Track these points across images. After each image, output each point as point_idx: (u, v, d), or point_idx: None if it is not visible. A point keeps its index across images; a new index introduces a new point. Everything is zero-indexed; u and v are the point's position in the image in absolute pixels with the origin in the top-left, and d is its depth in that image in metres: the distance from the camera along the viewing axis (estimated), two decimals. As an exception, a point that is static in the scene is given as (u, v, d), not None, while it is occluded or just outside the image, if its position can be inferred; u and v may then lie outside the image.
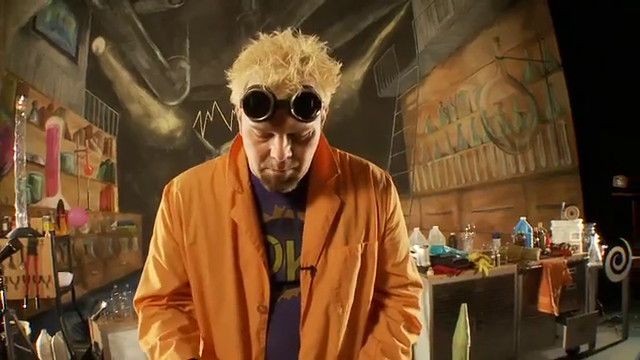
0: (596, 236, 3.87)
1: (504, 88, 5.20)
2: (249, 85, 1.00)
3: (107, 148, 5.06)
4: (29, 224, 4.03)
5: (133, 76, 5.04)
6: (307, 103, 0.99)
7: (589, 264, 3.77)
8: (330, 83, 1.07)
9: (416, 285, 1.32)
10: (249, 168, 1.16)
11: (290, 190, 1.12)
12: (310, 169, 1.15)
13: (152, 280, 1.23)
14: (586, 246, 3.86)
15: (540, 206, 4.97)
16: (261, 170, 1.09)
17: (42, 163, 4.85)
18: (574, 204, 4.19)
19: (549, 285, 3.53)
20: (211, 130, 4.87)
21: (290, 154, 1.04)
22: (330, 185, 1.18)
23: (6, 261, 3.64)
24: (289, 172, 1.08)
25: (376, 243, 1.22)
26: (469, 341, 3.06)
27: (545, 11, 5.16)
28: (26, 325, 3.72)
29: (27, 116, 4.41)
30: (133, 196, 5.07)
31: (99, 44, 4.99)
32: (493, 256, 3.57)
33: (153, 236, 1.25)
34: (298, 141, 1.05)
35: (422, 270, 3.45)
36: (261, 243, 1.13)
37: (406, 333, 1.27)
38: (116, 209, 5.06)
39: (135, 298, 1.27)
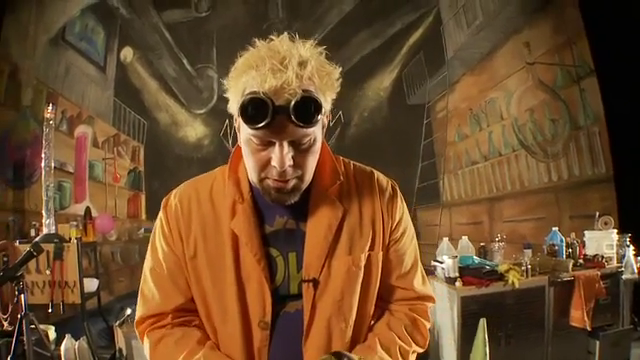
0: (631, 247, 3.71)
1: (535, 94, 5.08)
2: (246, 92, 0.97)
3: (135, 156, 5.11)
4: (56, 230, 4.09)
5: (161, 85, 5.09)
6: (307, 108, 0.95)
7: (624, 276, 3.59)
8: (330, 87, 1.03)
9: (425, 299, 1.25)
10: (249, 179, 1.11)
11: (292, 202, 1.07)
12: (312, 177, 1.10)
13: (153, 297, 1.16)
14: (621, 258, 3.70)
15: (573, 216, 4.83)
16: (261, 180, 1.05)
17: (71, 170, 4.92)
18: (608, 214, 4.03)
19: (582, 298, 3.39)
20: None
21: (291, 162, 1.00)
22: (332, 193, 1.13)
23: (32, 266, 3.73)
24: (292, 182, 1.04)
25: (380, 253, 1.16)
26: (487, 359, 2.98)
27: (576, 14, 5.03)
28: (51, 329, 3.77)
29: (56, 124, 4.49)
30: (160, 204, 5.05)
31: (127, 53, 5.06)
32: (524, 267, 3.44)
33: (150, 250, 1.19)
34: (299, 149, 1.01)
35: (450, 281, 3.38)
36: (262, 256, 1.09)
37: (408, 336, 1.19)
38: (143, 216, 5.11)
39: (136, 319, 1.18)
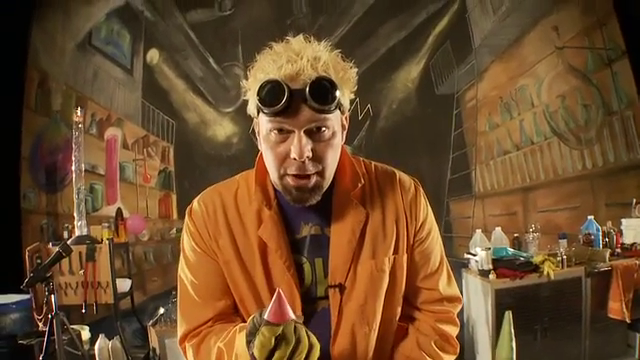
0: (671, 233, 3.67)
1: (566, 80, 4.96)
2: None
3: (165, 156, 5.16)
4: (88, 232, 4.18)
5: (188, 85, 5.12)
6: (323, 88, 0.96)
7: (665, 265, 3.54)
8: (346, 82, 1.03)
9: (452, 300, 1.23)
10: (272, 181, 1.11)
11: (314, 202, 1.06)
12: (333, 181, 1.10)
13: (194, 306, 1.16)
14: (661, 246, 3.65)
15: (609, 204, 4.71)
16: (281, 178, 1.05)
17: (102, 173, 5.01)
18: (646, 201, 3.97)
19: (620, 289, 3.33)
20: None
21: (310, 154, 1.00)
22: (355, 196, 1.13)
23: (65, 267, 3.82)
24: (313, 179, 1.03)
25: (405, 256, 1.15)
26: (514, 355, 2.93)
27: (605, -6, 4.92)
28: (85, 329, 3.86)
29: (86, 128, 4.58)
30: (191, 203, 5.11)
31: (153, 55, 5.11)
32: (559, 258, 3.42)
33: (182, 262, 1.19)
34: (318, 140, 1.02)
35: (484, 274, 3.36)
36: (291, 263, 1.11)
37: (438, 351, 1.18)
38: (175, 216, 5.14)
39: (180, 336, 1.18)
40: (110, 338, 3.98)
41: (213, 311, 1.15)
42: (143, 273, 5.01)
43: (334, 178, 1.11)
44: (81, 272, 3.86)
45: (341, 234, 1.11)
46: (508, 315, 3.03)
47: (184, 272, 1.19)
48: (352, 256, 1.11)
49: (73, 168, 4.28)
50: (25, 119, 4.93)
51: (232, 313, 1.17)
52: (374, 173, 1.20)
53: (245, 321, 1.16)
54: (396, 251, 1.15)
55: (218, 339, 1.09)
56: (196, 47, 5.07)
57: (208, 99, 5.13)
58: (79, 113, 4.35)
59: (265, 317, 0.90)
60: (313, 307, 1.13)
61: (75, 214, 4.19)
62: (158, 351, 3.92)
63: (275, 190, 1.13)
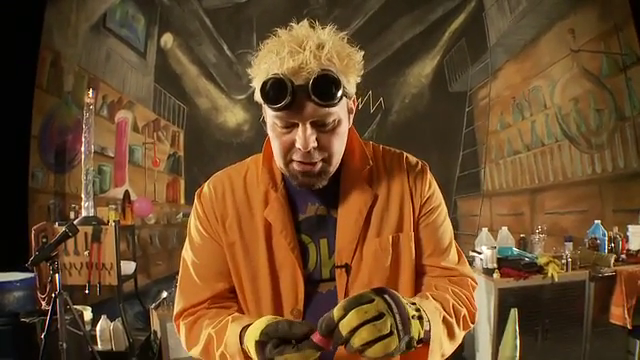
0: (676, 243, 3.66)
1: (580, 83, 4.94)
2: (268, 76, 0.99)
3: (175, 141, 5.17)
4: (95, 213, 4.19)
5: (201, 70, 5.11)
6: (326, 85, 0.96)
7: (668, 273, 3.53)
8: (351, 69, 1.03)
9: (469, 277, 1.20)
10: (279, 166, 1.12)
11: (321, 186, 1.07)
12: (341, 163, 1.10)
13: (193, 286, 1.17)
14: (665, 254, 3.64)
15: (617, 210, 4.70)
16: (287, 164, 1.06)
17: (111, 155, 5.03)
18: (654, 208, 3.97)
19: (623, 294, 3.33)
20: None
21: (315, 144, 1.01)
22: (363, 178, 1.14)
23: (71, 247, 3.82)
24: (319, 165, 1.04)
25: (411, 234, 1.14)
26: (517, 353, 2.94)
27: (623, 0, 4.89)
28: (87, 310, 3.88)
29: (97, 110, 4.60)
30: (199, 188, 5.13)
31: (167, 40, 5.11)
32: (564, 260, 3.42)
33: (188, 242, 1.20)
34: (323, 130, 1.02)
35: (488, 272, 3.37)
36: (296, 244, 1.11)
37: (458, 299, 1.13)
38: (182, 201, 5.15)
39: (175, 313, 1.19)
40: (112, 320, 4.01)
41: (211, 292, 1.16)
42: (148, 256, 5.04)
43: (342, 160, 1.12)
44: (86, 253, 3.88)
45: (348, 215, 1.12)
46: (514, 313, 3.03)
47: (187, 253, 1.20)
48: (358, 237, 1.11)
49: (82, 149, 4.30)
50: (36, 98, 4.93)
51: (229, 297, 1.17)
52: (382, 155, 1.20)
53: (240, 306, 1.18)
54: (400, 229, 1.14)
55: (210, 324, 1.09)
56: (210, 33, 5.07)
57: (220, 85, 5.13)
58: (91, 94, 4.36)
59: (313, 339, 0.89)
60: (318, 289, 1.13)
61: (83, 195, 4.20)
62: (159, 334, 3.95)
63: (282, 172, 1.14)
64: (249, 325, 0.99)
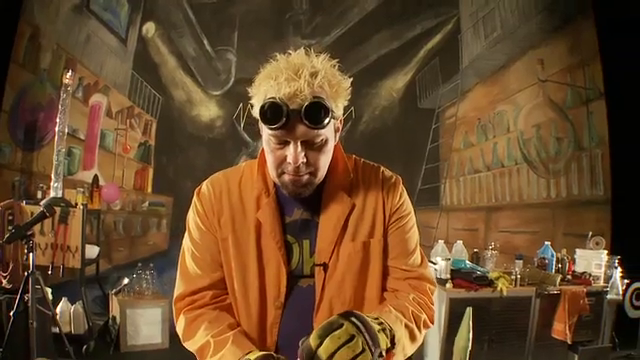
0: (619, 269, 3.83)
1: (544, 111, 5.16)
2: (266, 98, 1.11)
3: (147, 130, 5.17)
4: (63, 194, 4.14)
5: (179, 62, 5.14)
6: (317, 111, 1.10)
7: (608, 296, 3.72)
8: (340, 95, 1.17)
9: (427, 280, 1.33)
10: (271, 174, 1.25)
11: (307, 195, 1.21)
12: (326, 175, 1.24)
13: (193, 274, 1.28)
14: (608, 278, 3.82)
15: (567, 234, 4.92)
16: (279, 175, 1.19)
17: (82, 137, 4.98)
18: (601, 235, 4.14)
19: (565, 312, 3.51)
20: (251, 123, 4.78)
21: (304, 160, 1.14)
22: (344, 189, 1.28)
23: (37, 227, 3.75)
24: (305, 177, 1.17)
25: (381, 240, 1.28)
26: (470, 344, 3.07)
27: (592, 37, 5.11)
28: (48, 291, 3.84)
29: (72, 91, 4.53)
30: (167, 179, 5.18)
31: (149, 28, 5.10)
32: (513, 277, 3.57)
33: (187, 234, 1.32)
34: (312, 148, 1.15)
35: (441, 282, 3.46)
36: (282, 244, 1.24)
37: (417, 304, 1.26)
38: (149, 189, 5.17)
39: (175, 296, 1.30)
40: (71, 302, 4.00)
41: (209, 281, 1.27)
42: (110, 242, 5.01)
43: (327, 172, 1.24)
44: (51, 235, 3.86)
45: (328, 220, 1.25)
46: (469, 311, 3.16)
47: (187, 244, 1.31)
48: (336, 240, 1.24)
49: (57, 129, 4.23)
50: (10, 72, 4.81)
51: (225, 287, 1.28)
52: (361, 168, 1.34)
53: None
54: (372, 235, 1.27)
55: (209, 328, 1.20)
56: (193, 27, 5.10)
57: (197, 79, 5.16)
58: (69, 76, 4.32)
59: None
60: (299, 283, 1.25)
61: (52, 175, 4.16)
62: (118, 320, 3.96)
63: (273, 180, 1.26)
64: (247, 353, 1.12)
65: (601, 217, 4.97)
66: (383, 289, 1.31)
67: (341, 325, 0.99)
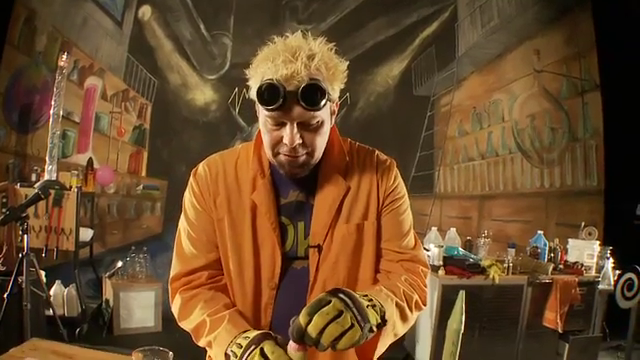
0: (611, 260, 3.87)
1: (539, 101, 5.16)
2: (263, 79, 1.12)
3: (142, 113, 5.17)
4: (57, 177, 4.15)
5: (175, 46, 5.13)
6: (313, 93, 1.11)
7: (600, 286, 3.74)
8: (337, 78, 1.18)
9: (420, 262, 1.34)
10: (267, 156, 1.25)
11: (303, 175, 1.22)
12: (322, 158, 1.25)
13: (188, 254, 1.30)
14: (599, 268, 3.85)
15: (560, 223, 4.94)
16: (275, 155, 1.20)
17: (77, 120, 4.98)
18: (594, 225, 4.16)
19: (557, 301, 3.54)
20: (245, 107, 4.86)
21: (300, 141, 1.15)
22: (339, 171, 1.28)
23: (31, 210, 3.74)
24: (302, 157, 1.18)
25: (375, 223, 1.29)
26: (462, 327, 3.10)
27: (589, 29, 5.10)
28: (42, 274, 3.85)
29: (67, 73, 4.52)
30: (161, 162, 5.19)
31: (145, 11, 5.08)
32: (505, 265, 3.59)
33: (183, 214, 1.33)
34: (307, 129, 1.16)
35: (434, 269, 3.48)
36: (277, 225, 1.25)
37: (409, 285, 1.27)
38: (143, 173, 5.18)
39: (171, 276, 1.31)
40: (65, 285, 4.01)
41: (205, 261, 1.28)
42: (104, 225, 5.02)
43: (323, 154, 1.25)
44: (45, 217, 3.86)
45: (323, 203, 1.26)
46: (461, 294, 3.16)
47: (183, 225, 1.32)
48: (331, 222, 1.25)
49: (51, 112, 4.24)
50: (6, 55, 4.83)
51: (220, 268, 1.30)
52: (357, 151, 1.35)
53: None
54: (366, 218, 1.28)
55: (205, 307, 1.21)
56: (189, 11, 5.07)
57: (193, 63, 5.15)
58: (65, 58, 4.31)
59: (289, 347, 1.01)
60: (294, 265, 1.26)
61: (47, 158, 4.16)
62: (112, 303, 3.98)
63: (269, 161, 1.27)
64: (243, 332, 1.13)
65: (594, 208, 5.00)
66: (376, 271, 1.32)
67: (329, 302, 1.00)
